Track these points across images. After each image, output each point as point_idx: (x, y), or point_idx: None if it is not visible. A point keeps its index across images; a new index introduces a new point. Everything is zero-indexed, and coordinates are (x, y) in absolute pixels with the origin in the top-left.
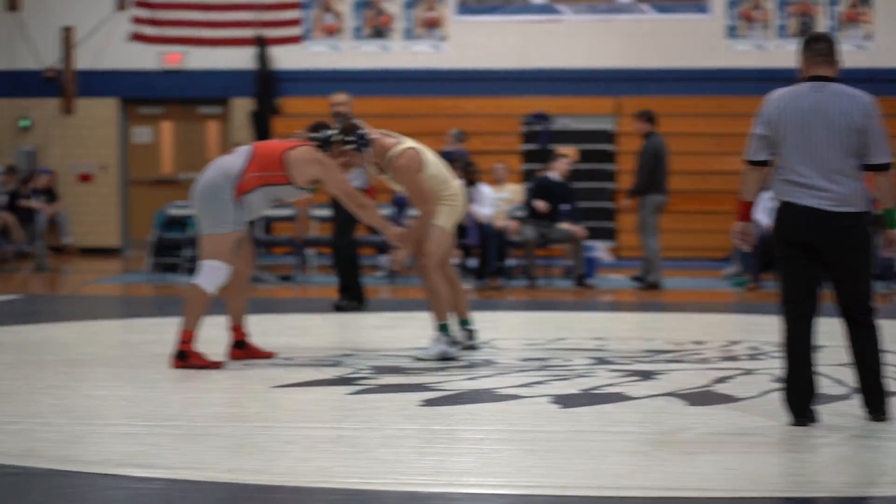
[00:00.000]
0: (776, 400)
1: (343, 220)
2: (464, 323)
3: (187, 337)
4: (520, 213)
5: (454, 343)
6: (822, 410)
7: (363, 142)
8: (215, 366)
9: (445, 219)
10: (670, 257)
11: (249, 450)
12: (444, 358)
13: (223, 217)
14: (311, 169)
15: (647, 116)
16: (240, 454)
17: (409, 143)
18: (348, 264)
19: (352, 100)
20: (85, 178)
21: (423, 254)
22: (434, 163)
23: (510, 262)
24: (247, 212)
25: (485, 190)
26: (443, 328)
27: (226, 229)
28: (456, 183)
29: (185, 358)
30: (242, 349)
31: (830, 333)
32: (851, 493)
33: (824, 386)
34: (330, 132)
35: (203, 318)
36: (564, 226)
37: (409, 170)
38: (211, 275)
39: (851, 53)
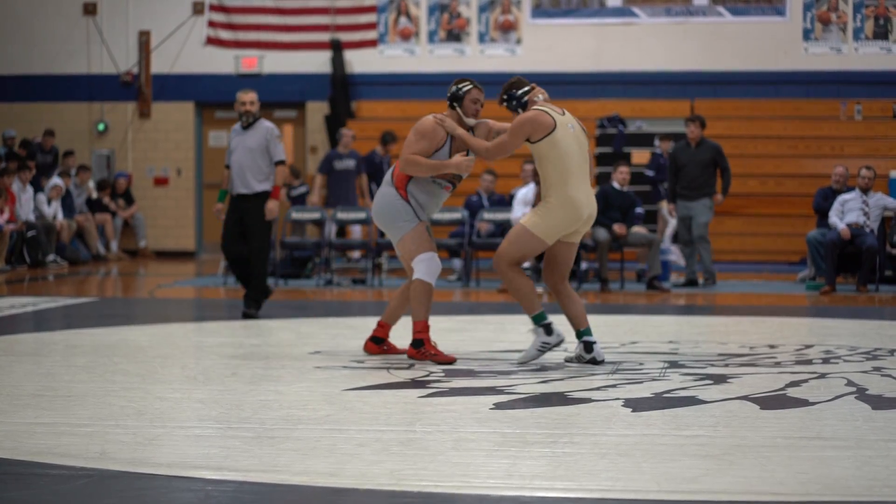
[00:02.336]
0: (849, 404)
1: (262, 222)
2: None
3: (422, 327)
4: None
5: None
6: (892, 416)
7: (518, 103)
8: (449, 360)
9: (538, 224)
10: (745, 260)
11: (321, 452)
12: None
13: (402, 217)
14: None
15: (703, 122)
16: (311, 457)
17: (557, 114)
18: (265, 268)
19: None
20: (160, 181)
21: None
22: (562, 155)
23: (582, 265)
24: (417, 204)
25: None
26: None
27: (409, 226)
28: (575, 193)
29: (420, 346)
30: (379, 344)
31: None
32: None
33: (893, 390)
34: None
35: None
36: (638, 229)
37: (519, 122)
38: (427, 267)
39: None
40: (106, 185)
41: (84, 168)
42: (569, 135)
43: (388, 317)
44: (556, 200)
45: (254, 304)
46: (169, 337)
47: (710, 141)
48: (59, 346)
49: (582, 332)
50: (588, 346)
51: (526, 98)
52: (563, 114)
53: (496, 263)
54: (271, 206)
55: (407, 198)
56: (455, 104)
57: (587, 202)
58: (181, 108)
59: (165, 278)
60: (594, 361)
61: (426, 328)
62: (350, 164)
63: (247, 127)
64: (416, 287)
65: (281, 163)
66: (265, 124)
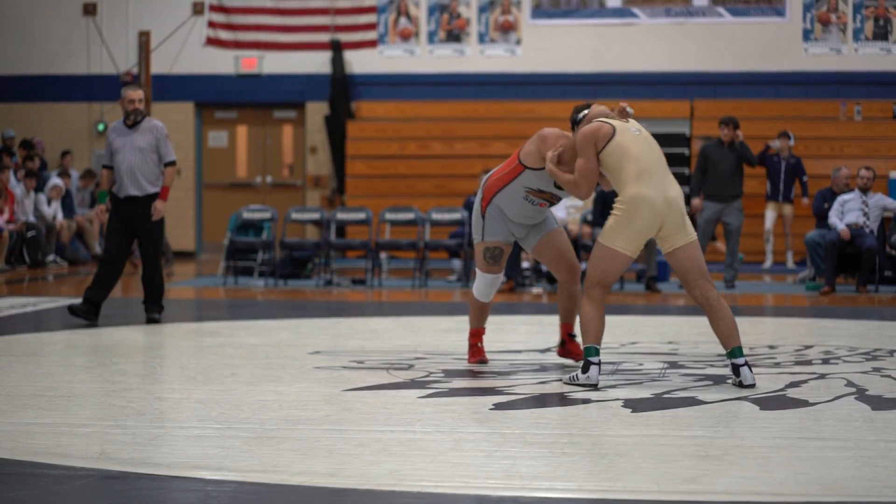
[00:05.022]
0: (849, 404)
1: (155, 226)
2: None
3: (470, 333)
4: (591, 217)
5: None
6: (892, 417)
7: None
8: (477, 361)
9: (609, 235)
10: (745, 261)
11: (320, 453)
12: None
13: (475, 229)
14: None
15: (737, 124)
16: (310, 457)
17: (616, 122)
18: (161, 272)
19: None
20: None
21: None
22: (619, 152)
23: (583, 265)
24: (496, 220)
25: None
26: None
27: (476, 240)
28: (643, 190)
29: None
30: (562, 347)
31: None
32: None
33: (893, 390)
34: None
35: (483, 319)
36: None
37: (581, 138)
38: (476, 284)
39: None
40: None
41: (90, 173)
42: (632, 137)
43: (563, 317)
44: (621, 204)
45: (157, 309)
46: (168, 337)
47: (738, 143)
48: (58, 347)
49: (728, 353)
50: (735, 369)
51: (581, 117)
52: (628, 122)
53: (584, 283)
54: (159, 207)
55: (484, 212)
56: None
57: (661, 195)
58: (181, 108)
59: (165, 278)
60: (741, 385)
61: (473, 334)
62: None
63: (133, 126)
64: (469, 297)
65: (172, 163)
66: (154, 123)
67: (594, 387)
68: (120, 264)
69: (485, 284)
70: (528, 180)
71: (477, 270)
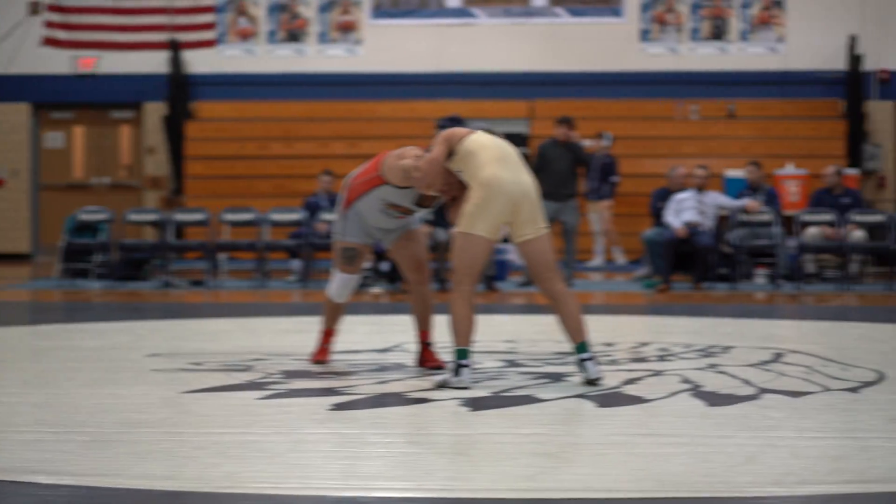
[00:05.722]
0: (684, 400)
1: None
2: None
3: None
4: (429, 217)
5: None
6: (730, 411)
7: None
8: (318, 360)
9: (466, 222)
10: (582, 259)
11: (158, 456)
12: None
13: (336, 226)
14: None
15: (572, 124)
16: (148, 460)
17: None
18: None
19: None
20: None
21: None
22: (476, 143)
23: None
24: (355, 222)
25: None
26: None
27: (336, 237)
28: (496, 172)
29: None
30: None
31: (738, 334)
32: (757, 493)
33: (731, 386)
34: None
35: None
36: None
37: (441, 135)
38: (331, 284)
39: (764, 56)
40: None
41: None
42: (490, 137)
43: (420, 324)
44: (477, 188)
45: None
46: (3, 340)
47: (574, 143)
48: None
49: (575, 348)
50: (580, 364)
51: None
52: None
53: (452, 279)
54: None
55: (345, 212)
56: None
57: (515, 179)
58: (16, 109)
59: (0, 280)
60: (587, 381)
61: (325, 333)
62: None
63: None
64: (324, 295)
65: None
66: None
67: (467, 389)
68: None
69: (338, 284)
70: (386, 194)
71: (335, 269)
